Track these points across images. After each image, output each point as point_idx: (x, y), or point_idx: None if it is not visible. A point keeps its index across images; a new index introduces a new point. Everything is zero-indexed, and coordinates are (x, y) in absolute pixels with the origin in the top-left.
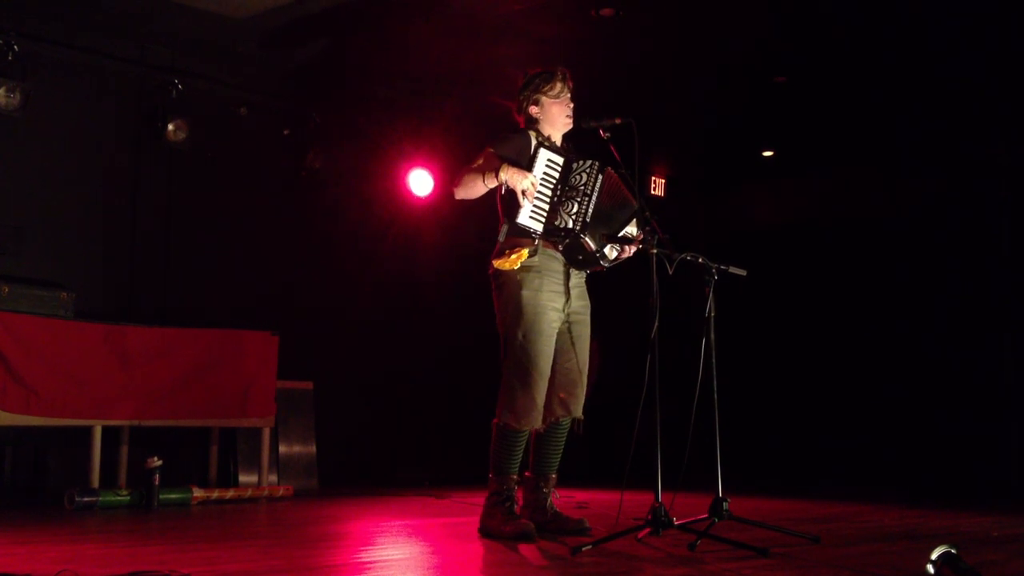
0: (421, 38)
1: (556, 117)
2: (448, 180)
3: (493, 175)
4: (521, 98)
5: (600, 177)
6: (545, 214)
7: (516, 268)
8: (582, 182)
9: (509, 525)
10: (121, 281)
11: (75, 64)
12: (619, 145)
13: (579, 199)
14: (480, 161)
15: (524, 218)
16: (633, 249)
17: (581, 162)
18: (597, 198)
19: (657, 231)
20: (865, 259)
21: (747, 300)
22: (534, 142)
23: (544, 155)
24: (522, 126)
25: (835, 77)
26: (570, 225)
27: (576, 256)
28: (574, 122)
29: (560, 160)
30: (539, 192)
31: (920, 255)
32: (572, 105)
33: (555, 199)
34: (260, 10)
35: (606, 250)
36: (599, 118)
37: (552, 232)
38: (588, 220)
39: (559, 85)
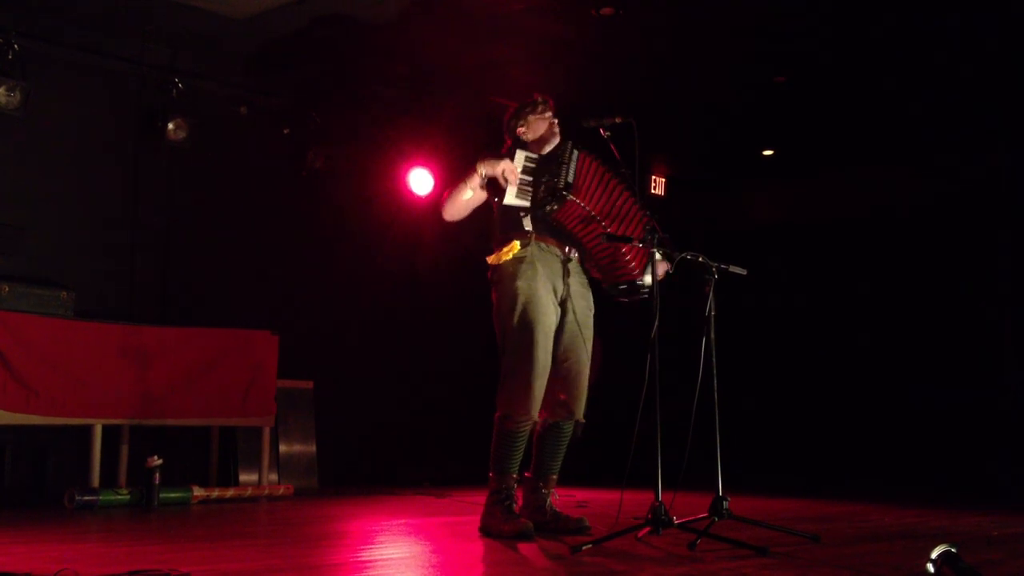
0: (421, 38)
1: (541, 129)
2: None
3: (472, 172)
4: (507, 130)
5: (576, 152)
6: (530, 194)
7: (509, 259)
8: (556, 156)
9: (508, 524)
10: (121, 281)
11: (75, 64)
12: (619, 145)
13: (555, 167)
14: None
15: (511, 198)
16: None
17: (555, 146)
18: (576, 166)
19: (657, 230)
20: (864, 258)
21: (747, 299)
22: (511, 151)
23: (521, 154)
24: None
25: (835, 77)
26: (552, 187)
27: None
28: (561, 135)
29: (535, 155)
30: (522, 179)
31: (920, 254)
32: (556, 120)
33: (536, 180)
34: (260, 10)
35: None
36: (599, 117)
37: (537, 203)
38: (569, 181)
39: (540, 106)
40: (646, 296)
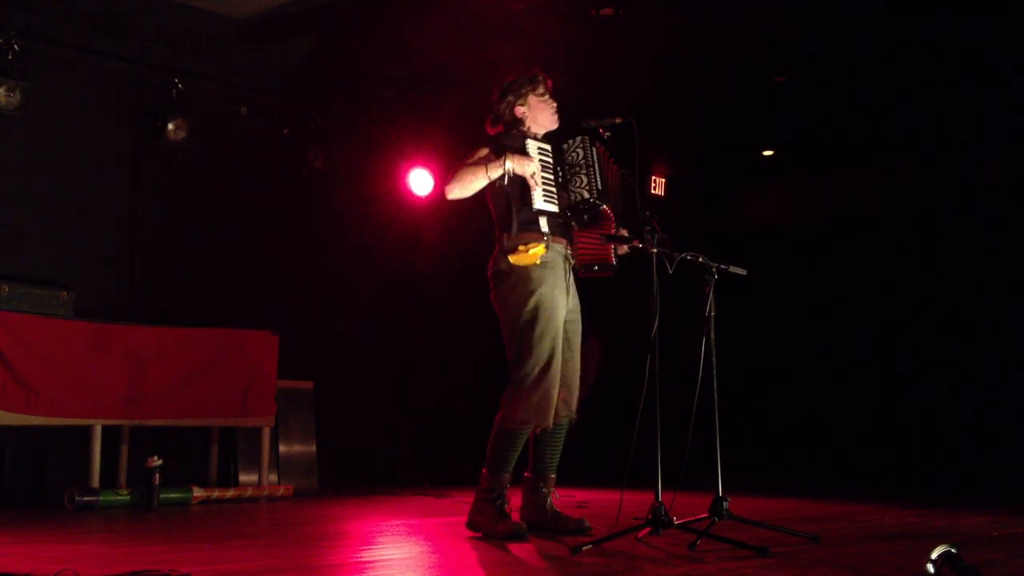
0: (421, 38)
1: (544, 115)
2: (442, 180)
3: (497, 165)
4: (503, 104)
5: (594, 150)
6: (556, 197)
7: (535, 263)
8: (580, 158)
9: (501, 524)
10: (121, 281)
11: (75, 64)
12: (619, 145)
13: (584, 172)
14: (478, 155)
15: (540, 202)
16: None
17: (571, 141)
18: (600, 168)
19: (657, 230)
20: (864, 258)
21: (747, 299)
22: (519, 138)
23: (533, 145)
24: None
25: (835, 77)
26: (585, 196)
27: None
28: (561, 121)
29: (548, 146)
30: (544, 179)
31: (920, 254)
32: (556, 104)
33: (560, 180)
34: (260, 10)
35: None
36: (599, 117)
37: (572, 208)
38: (601, 188)
39: (542, 87)
40: (611, 274)
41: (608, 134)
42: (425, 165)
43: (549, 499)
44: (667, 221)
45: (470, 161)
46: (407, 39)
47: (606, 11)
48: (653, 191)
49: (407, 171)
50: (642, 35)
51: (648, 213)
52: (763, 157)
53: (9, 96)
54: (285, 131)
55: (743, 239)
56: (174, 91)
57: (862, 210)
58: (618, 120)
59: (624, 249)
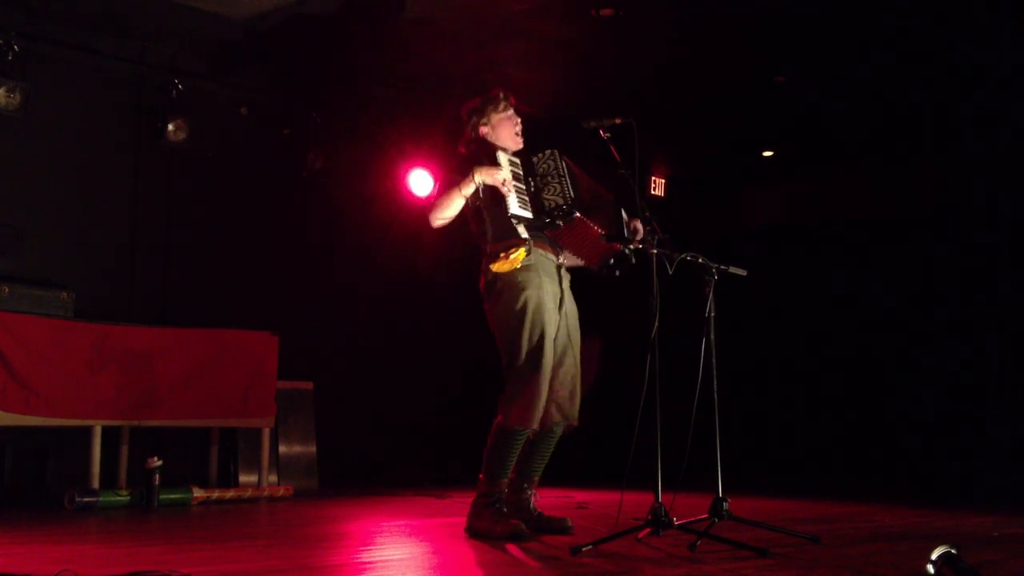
0: (421, 38)
1: (507, 131)
2: (424, 213)
3: (468, 180)
4: (469, 126)
5: (564, 162)
6: (529, 204)
7: (517, 268)
8: (551, 168)
9: (501, 525)
10: (121, 281)
11: (75, 64)
12: (619, 145)
13: (557, 182)
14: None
15: (515, 207)
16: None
17: (541, 154)
18: (570, 177)
19: (657, 231)
20: (864, 259)
21: (747, 300)
22: (490, 149)
23: (503, 156)
24: None
25: (835, 77)
26: (560, 203)
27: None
28: (525, 139)
29: (518, 159)
30: (516, 187)
31: (919, 256)
32: (520, 121)
33: (532, 189)
34: (260, 11)
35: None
36: (599, 118)
37: (547, 214)
38: (573, 196)
39: (503, 104)
40: (632, 263)
41: (608, 135)
42: (425, 165)
43: (532, 501)
44: (667, 221)
45: (442, 188)
46: (407, 39)
47: (606, 11)
48: (653, 191)
49: (407, 171)
50: (642, 35)
51: (648, 213)
52: (763, 157)
53: (9, 96)
54: (285, 131)
55: (743, 239)
56: (174, 91)
57: (862, 210)
58: (618, 121)
59: (636, 244)
